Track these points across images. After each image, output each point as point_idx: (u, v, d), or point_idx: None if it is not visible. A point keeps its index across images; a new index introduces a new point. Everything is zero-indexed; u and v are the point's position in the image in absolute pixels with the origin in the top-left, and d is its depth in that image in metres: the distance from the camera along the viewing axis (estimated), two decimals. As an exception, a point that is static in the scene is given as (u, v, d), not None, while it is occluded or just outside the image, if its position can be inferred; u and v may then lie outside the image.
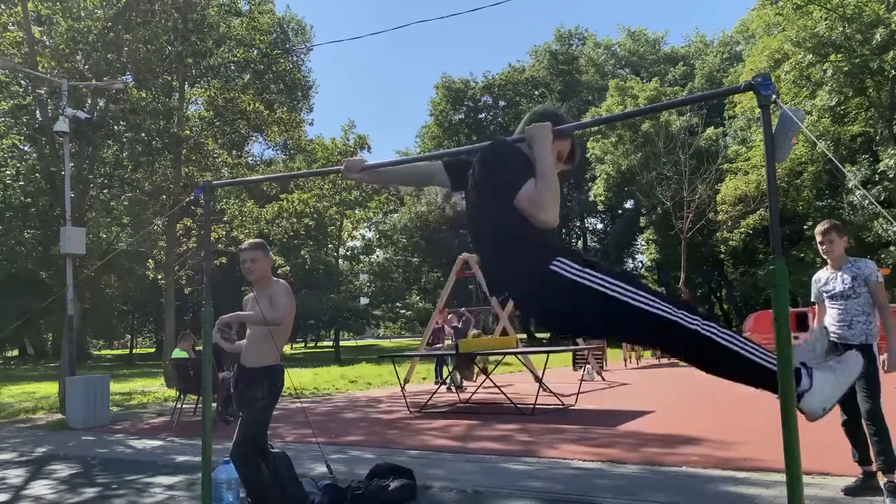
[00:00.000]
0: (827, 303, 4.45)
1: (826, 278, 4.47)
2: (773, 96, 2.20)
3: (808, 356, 2.31)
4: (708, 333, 2.17)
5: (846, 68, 23.14)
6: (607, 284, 2.24)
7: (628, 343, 2.62)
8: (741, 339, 2.21)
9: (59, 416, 10.76)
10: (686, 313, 2.21)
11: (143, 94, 15.53)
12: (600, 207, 43.47)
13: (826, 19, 23.19)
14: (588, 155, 37.74)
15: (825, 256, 4.47)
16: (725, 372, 2.23)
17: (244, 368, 4.06)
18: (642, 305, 2.22)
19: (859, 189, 23.55)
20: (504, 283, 2.52)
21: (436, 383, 12.94)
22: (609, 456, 5.77)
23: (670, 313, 2.19)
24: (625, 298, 2.23)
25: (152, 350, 49.28)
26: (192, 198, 3.86)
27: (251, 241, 4.28)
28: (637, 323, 2.24)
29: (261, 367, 3.99)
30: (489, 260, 2.52)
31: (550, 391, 10.30)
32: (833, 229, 4.39)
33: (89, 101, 14.29)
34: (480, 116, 49.01)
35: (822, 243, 4.42)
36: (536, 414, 8.82)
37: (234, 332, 4.11)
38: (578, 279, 2.26)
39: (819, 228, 4.46)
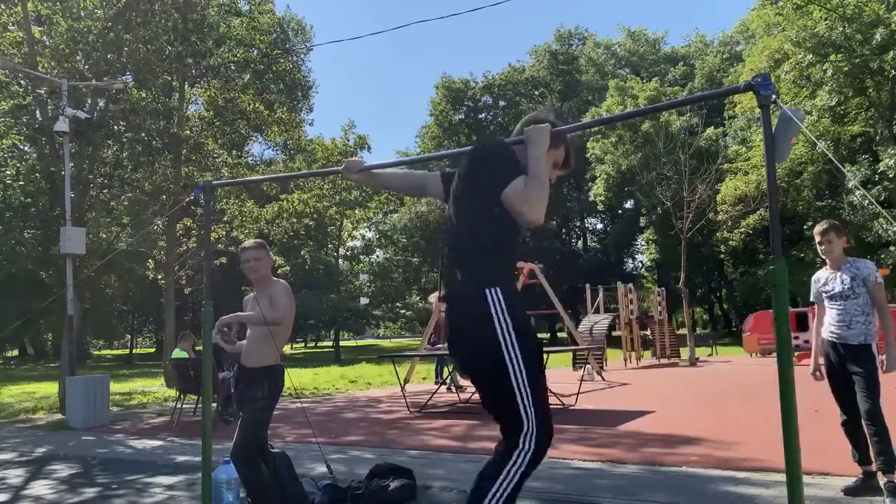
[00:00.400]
0: (826, 303, 4.45)
1: (825, 278, 4.47)
2: (773, 96, 2.20)
3: None
4: (513, 463, 2.27)
5: (846, 68, 23.16)
6: (509, 343, 2.27)
7: (488, 408, 2.63)
8: (510, 490, 2.29)
9: (59, 416, 10.76)
10: (532, 432, 2.26)
11: (143, 94, 15.53)
12: (600, 207, 43.48)
13: (826, 19, 23.20)
14: (588, 155, 37.75)
15: (824, 257, 4.47)
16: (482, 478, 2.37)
17: (244, 368, 4.06)
18: (514, 387, 2.25)
19: (859, 189, 23.55)
20: (452, 279, 2.48)
21: (436, 383, 12.94)
22: (609, 456, 5.77)
23: (526, 414, 2.26)
24: (510, 367, 2.26)
25: (152, 350, 49.30)
26: (192, 198, 3.86)
27: (253, 240, 4.28)
28: (501, 391, 2.28)
29: (261, 367, 3.99)
30: (453, 260, 2.49)
31: (550, 391, 10.28)
32: (832, 229, 4.39)
33: (89, 101, 14.29)
34: (480, 116, 49.02)
35: (820, 244, 4.42)
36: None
37: (234, 332, 4.10)
38: (495, 319, 2.28)
39: (818, 229, 4.46)
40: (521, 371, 2.27)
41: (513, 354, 2.27)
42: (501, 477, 2.30)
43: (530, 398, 2.28)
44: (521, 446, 2.27)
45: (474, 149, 2.57)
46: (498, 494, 2.30)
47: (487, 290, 2.30)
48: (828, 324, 4.42)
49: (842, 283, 4.32)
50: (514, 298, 2.34)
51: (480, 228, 2.38)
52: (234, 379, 4.26)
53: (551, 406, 2.28)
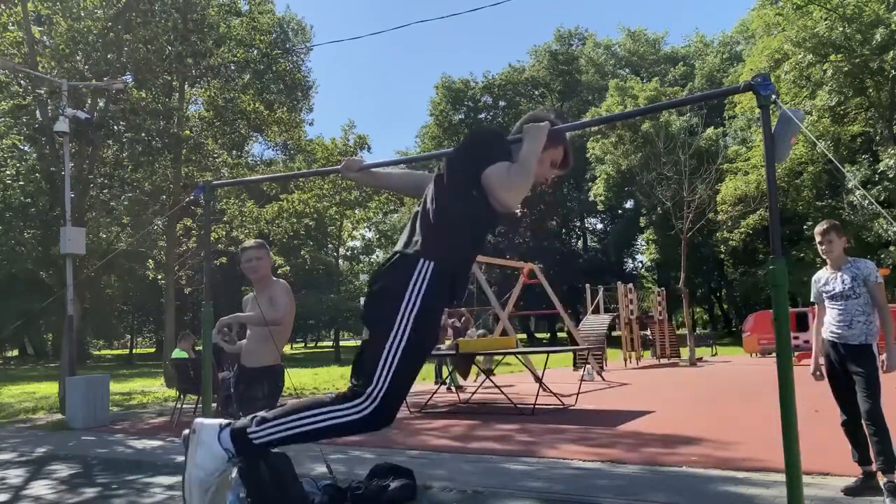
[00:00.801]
0: (827, 303, 4.45)
1: (826, 278, 4.47)
2: (773, 96, 2.21)
3: None
4: (331, 409, 2.15)
5: (846, 68, 23.16)
6: (407, 315, 2.17)
7: (363, 368, 2.54)
8: (301, 429, 2.17)
9: (59, 416, 10.75)
10: (378, 393, 2.14)
11: (143, 94, 15.52)
12: (600, 207, 43.48)
13: (826, 19, 23.20)
14: (588, 155, 37.75)
15: (824, 257, 4.47)
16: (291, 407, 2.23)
17: (244, 368, 4.07)
18: (385, 352, 2.15)
19: (859, 189, 23.55)
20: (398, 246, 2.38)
21: (436, 383, 12.94)
22: (609, 456, 5.77)
23: (379, 378, 2.14)
24: (393, 335, 2.16)
25: (152, 350, 49.29)
26: (192, 198, 3.87)
27: (254, 240, 4.28)
28: (372, 347, 2.19)
29: (261, 366, 4.00)
30: (412, 228, 2.37)
31: (550, 391, 10.30)
32: (832, 229, 4.39)
33: (89, 101, 14.28)
34: (480, 116, 48.98)
35: (821, 243, 4.43)
36: (536, 414, 8.82)
37: (235, 333, 4.10)
38: (409, 287, 2.18)
39: (818, 229, 4.46)
40: (399, 343, 2.16)
41: (401, 327, 2.17)
42: (312, 411, 2.16)
43: (391, 371, 2.15)
44: (353, 402, 2.15)
45: (470, 131, 2.56)
46: (293, 423, 2.16)
47: (421, 259, 2.21)
48: (828, 323, 4.42)
49: (842, 282, 4.32)
50: (441, 282, 2.22)
51: (449, 205, 2.30)
52: (234, 379, 4.25)
53: (552, 406, 2.28)
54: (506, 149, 2.42)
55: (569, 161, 2.66)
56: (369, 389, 2.15)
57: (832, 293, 4.39)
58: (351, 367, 2.30)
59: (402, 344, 2.17)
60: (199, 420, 2.27)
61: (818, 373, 4.51)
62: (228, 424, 2.24)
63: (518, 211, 2.40)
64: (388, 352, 2.16)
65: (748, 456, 5.51)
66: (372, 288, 2.33)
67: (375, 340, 2.21)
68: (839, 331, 4.32)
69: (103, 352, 53.94)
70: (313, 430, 2.17)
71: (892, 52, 21.99)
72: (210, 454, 2.19)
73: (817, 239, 4.46)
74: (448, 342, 14.24)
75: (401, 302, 2.18)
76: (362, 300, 2.49)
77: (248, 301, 4.19)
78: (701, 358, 21.85)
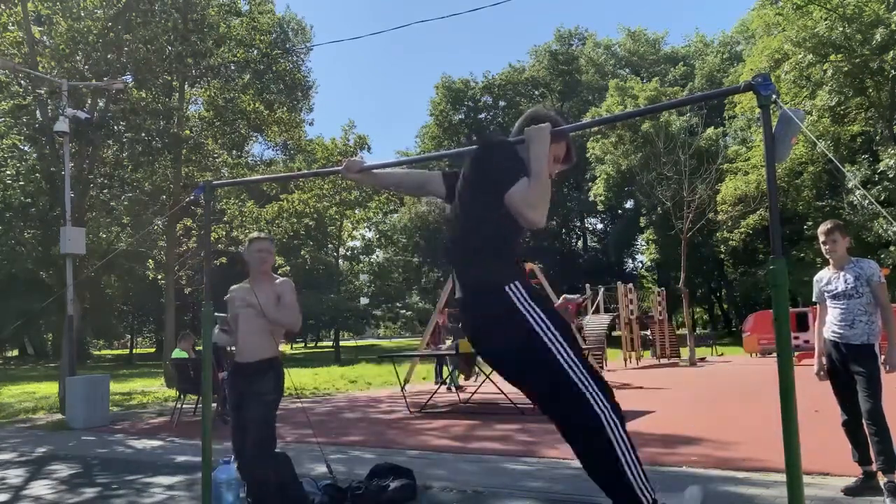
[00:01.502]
0: (829, 302, 4.45)
1: (828, 278, 4.47)
2: (773, 96, 2.20)
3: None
4: (609, 428, 2.26)
5: (846, 68, 23.15)
6: (544, 328, 2.30)
7: (532, 398, 2.62)
8: (632, 450, 2.28)
9: (59, 416, 10.75)
10: (600, 395, 2.28)
11: (143, 94, 15.52)
12: (600, 207, 43.47)
13: (826, 19, 23.20)
14: (588, 155, 37.74)
15: (827, 256, 4.47)
16: (593, 473, 2.33)
17: (246, 364, 3.96)
18: (564, 365, 2.27)
19: (859, 189, 23.55)
20: (464, 285, 2.51)
21: (436, 383, 12.94)
22: (609, 456, 5.76)
23: (585, 386, 2.27)
24: (553, 349, 2.28)
25: (152, 350, 49.28)
26: (192, 198, 3.86)
27: (262, 234, 4.28)
28: (548, 379, 2.30)
29: (265, 359, 3.96)
30: (460, 260, 2.51)
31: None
32: (836, 229, 4.39)
33: (89, 101, 14.28)
34: (480, 116, 49.00)
35: (825, 243, 4.43)
36: (536, 414, 8.81)
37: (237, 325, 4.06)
38: (523, 310, 2.31)
39: (822, 228, 4.46)
40: (563, 348, 2.29)
41: (550, 335, 2.30)
42: (616, 449, 2.27)
43: (581, 368, 2.29)
44: (600, 412, 2.27)
45: (476, 150, 2.57)
46: (628, 461, 2.27)
47: (507, 288, 2.34)
48: (830, 323, 4.42)
49: (845, 282, 4.32)
50: (531, 288, 2.38)
51: (488, 229, 2.39)
52: (230, 377, 4.13)
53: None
54: (514, 157, 2.44)
55: (572, 156, 2.68)
56: (588, 399, 2.28)
57: (835, 293, 4.38)
58: (553, 421, 2.44)
59: (565, 347, 2.30)
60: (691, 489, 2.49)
61: (822, 373, 4.51)
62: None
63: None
64: (568, 366, 2.29)
65: (748, 456, 5.50)
66: (494, 348, 2.47)
67: (553, 374, 2.30)
68: (841, 330, 4.32)
69: (103, 352, 53.93)
70: (629, 445, 2.32)
71: (892, 52, 21.98)
72: None
73: (821, 238, 4.46)
74: (448, 342, 14.25)
75: (530, 325, 2.31)
76: (483, 357, 2.61)
77: (236, 298, 4.05)
78: (704, 358, 21.89)
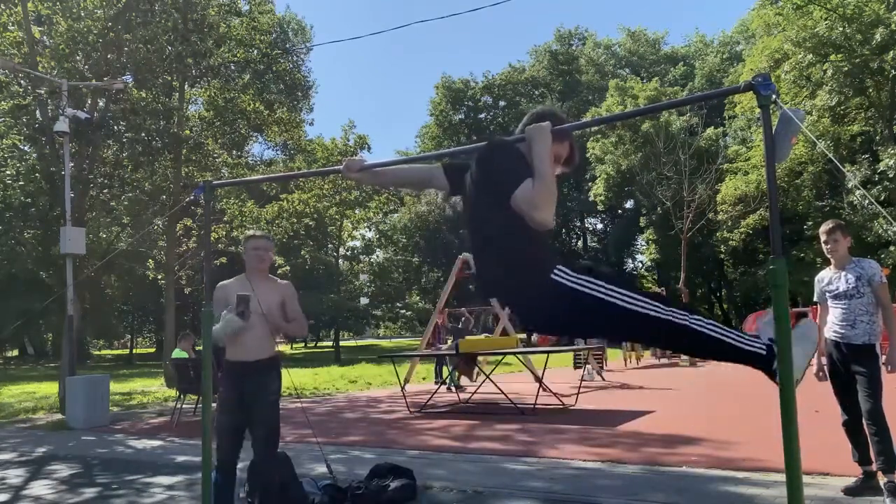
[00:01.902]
0: (830, 302, 4.44)
1: (829, 278, 4.47)
2: (773, 96, 2.20)
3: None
4: (696, 327, 2.32)
5: (846, 68, 23.14)
6: (604, 290, 2.33)
7: (625, 340, 2.77)
8: (724, 328, 2.36)
9: (59, 416, 10.76)
10: (676, 311, 2.33)
11: (143, 94, 15.52)
12: (600, 207, 43.44)
13: (826, 19, 23.19)
14: (588, 155, 37.74)
15: (829, 256, 4.47)
16: (717, 357, 2.40)
17: (250, 363, 3.87)
18: (638, 308, 2.32)
19: (859, 189, 23.54)
20: (502, 289, 2.55)
21: (436, 383, 12.94)
22: (609, 456, 5.76)
23: (661, 313, 2.31)
24: (621, 302, 2.33)
25: (152, 350, 49.26)
26: (192, 198, 3.85)
27: (259, 231, 4.27)
28: (633, 324, 2.35)
29: (268, 357, 3.93)
30: (488, 263, 2.52)
31: (550, 391, 10.30)
32: (838, 229, 4.40)
33: (89, 101, 14.29)
34: (480, 116, 49.00)
35: (826, 242, 4.43)
36: (536, 414, 8.82)
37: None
38: (578, 287, 2.33)
39: (824, 228, 4.47)
40: (615, 291, 2.32)
41: (595, 286, 2.32)
42: (702, 330, 2.31)
43: (641, 300, 2.31)
44: (682, 326, 2.30)
45: (481, 151, 2.56)
46: (720, 333, 2.32)
47: (553, 275, 2.36)
48: (831, 323, 4.42)
49: (846, 282, 4.32)
50: (569, 264, 2.41)
51: (512, 230, 2.38)
52: (227, 378, 3.95)
53: (552, 406, 2.30)
54: (516, 156, 2.44)
55: (574, 157, 2.66)
56: (678, 316, 2.31)
57: (836, 293, 4.38)
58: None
59: (618, 289, 2.33)
60: None
61: (822, 373, 4.51)
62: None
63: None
64: (626, 304, 2.32)
65: (748, 456, 5.50)
66: (550, 321, 2.56)
67: (610, 314, 2.34)
68: (842, 330, 4.32)
69: (103, 352, 53.91)
70: (716, 330, 2.34)
71: (892, 52, 21.97)
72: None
73: (822, 238, 4.47)
74: (449, 341, 14.26)
75: (583, 293, 2.33)
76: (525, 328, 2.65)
77: (231, 293, 3.92)
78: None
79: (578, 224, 49.65)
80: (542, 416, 8.69)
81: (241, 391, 3.86)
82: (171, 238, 18.82)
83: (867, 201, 23.72)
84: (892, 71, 22.49)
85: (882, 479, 4.12)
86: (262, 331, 3.90)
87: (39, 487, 5.48)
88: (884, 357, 4.26)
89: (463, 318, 16.12)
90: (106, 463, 6.49)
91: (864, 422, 4.21)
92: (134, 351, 46.22)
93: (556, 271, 2.36)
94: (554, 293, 2.35)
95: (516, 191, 2.30)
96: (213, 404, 3.82)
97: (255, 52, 20.40)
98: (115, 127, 14.75)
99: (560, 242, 47.16)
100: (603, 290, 2.33)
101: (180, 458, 6.50)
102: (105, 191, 15.87)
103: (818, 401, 6.14)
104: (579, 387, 10.89)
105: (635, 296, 2.34)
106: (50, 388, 16.30)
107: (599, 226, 50.87)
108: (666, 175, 24.02)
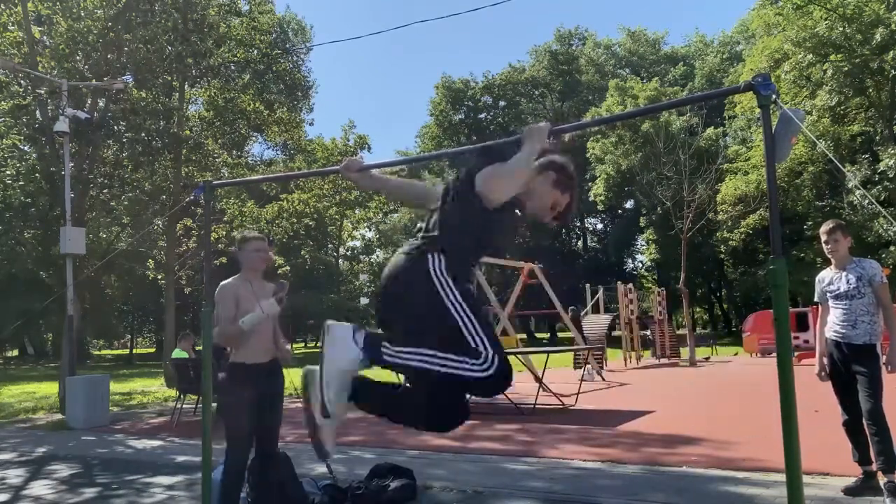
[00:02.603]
0: (831, 302, 4.44)
1: (830, 278, 4.47)
2: (773, 96, 2.20)
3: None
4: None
5: (846, 68, 23.15)
6: (451, 298, 2.24)
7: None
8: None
9: (59, 416, 10.75)
10: (498, 359, 2.23)
11: (143, 94, 15.51)
12: (600, 207, 43.44)
13: (826, 19, 23.19)
14: (588, 155, 37.75)
15: (829, 256, 4.47)
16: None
17: (262, 364, 3.83)
18: (458, 320, 2.22)
19: (859, 189, 23.54)
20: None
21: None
22: (609, 456, 5.76)
23: (481, 345, 2.21)
24: (445, 300, 2.23)
25: (152, 350, 49.26)
26: (192, 198, 3.85)
27: (257, 232, 4.26)
28: (442, 335, 2.23)
29: (274, 357, 3.97)
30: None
31: (550, 391, 10.29)
32: (838, 229, 4.40)
33: (89, 101, 14.28)
34: (480, 116, 48.97)
35: (826, 243, 4.43)
36: (536, 414, 8.82)
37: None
38: (432, 271, 2.25)
39: (824, 228, 4.47)
40: (460, 305, 2.22)
41: (448, 291, 2.23)
42: (448, 355, 2.21)
43: (479, 329, 2.22)
44: (479, 361, 2.21)
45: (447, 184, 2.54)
46: (426, 358, 2.23)
47: (430, 254, 2.29)
48: (832, 323, 4.42)
49: (847, 282, 4.32)
50: (457, 270, 2.28)
51: (449, 211, 2.36)
52: (239, 380, 3.85)
53: (552, 406, 2.28)
54: (497, 155, 2.44)
55: (570, 211, 2.55)
56: (481, 356, 2.22)
57: (837, 293, 4.38)
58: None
59: (464, 306, 2.24)
60: (329, 321, 2.40)
61: (823, 373, 4.50)
62: (361, 328, 2.37)
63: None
64: (461, 319, 2.23)
65: (748, 456, 5.50)
66: (388, 293, 2.39)
67: (441, 320, 2.24)
68: (843, 330, 4.32)
69: (103, 352, 53.93)
70: (438, 373, 2.24)
71: (892, 52, 21.97)
72: (345, 349, 2.31)
73: (823, 238, 4.47)
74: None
75: (434, 286, 2.25)
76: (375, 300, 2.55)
77: (242, 296, 3.86)
78: (708, 357, 21.91)
79: (578, 224, 49.63)
80: (542, 416, 8.69)
81: (259, 392, 3.82)
82: (171, 238, 18.81)
83: (867, 201, 23.72)
84: (892, 71, 22.49)
85: (882, 479, 4.12)
86: (268, 332, 3.91)
87: (39, 487, 5.48)
88: (884, 357, 4.26)
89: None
90: (106, 463, 6.49)
91: (864, 422, 4.20)
92: (134, 351, 46.24)
93: (435, 253, 2.28)
94: (411, 264, 2.31)
95: (483, 170, 2.33)
96: (213, 404, 3.81)
97: (255, 52, 20.38)
98: (115, 127, 14.74)
99: (560, 242, 47.17)
100: (451, 298, 2.25)
101: (180, 458, 6.50)
102: (105, 191, 15.87)
103: (818, 401, 6.14)
104: (579, 387, 10.89)
105: (472, 318, 2.24)
106: (50, 388, 16.29)
107: (599, 226, 50.90)
108: (666, 175, 23.98)
